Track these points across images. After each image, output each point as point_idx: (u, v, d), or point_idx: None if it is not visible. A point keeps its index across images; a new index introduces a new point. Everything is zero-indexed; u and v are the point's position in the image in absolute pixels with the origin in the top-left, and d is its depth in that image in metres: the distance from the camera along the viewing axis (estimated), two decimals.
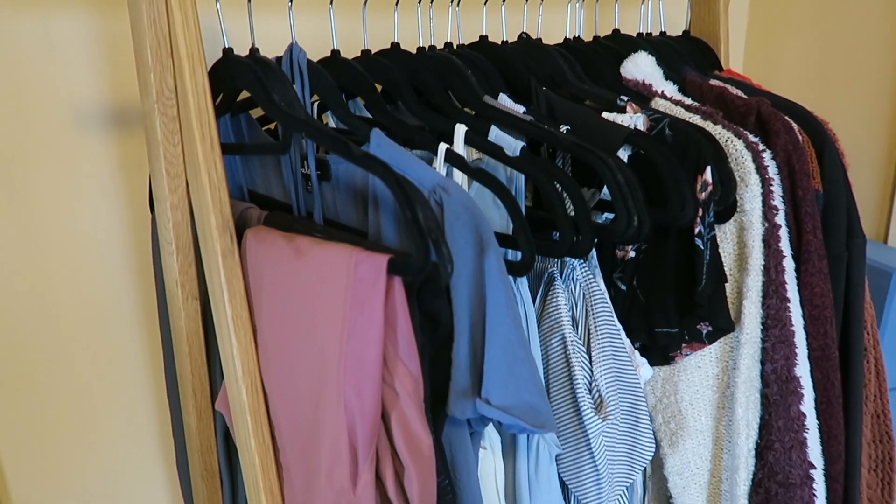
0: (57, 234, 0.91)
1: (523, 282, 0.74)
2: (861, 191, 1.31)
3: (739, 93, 0.85)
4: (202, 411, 0.78)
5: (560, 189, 0.66)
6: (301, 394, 0.63)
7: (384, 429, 0.61)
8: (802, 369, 0.78)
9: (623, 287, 0.80)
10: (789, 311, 0.77)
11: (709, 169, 0.71)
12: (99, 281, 0.96)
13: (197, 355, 0.75)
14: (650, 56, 0.88)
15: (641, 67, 0.87)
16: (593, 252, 0.78)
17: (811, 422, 0.80)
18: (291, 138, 0.66)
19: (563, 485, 0.80)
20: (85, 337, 0.97)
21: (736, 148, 0.75)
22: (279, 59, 0.72)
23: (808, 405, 0.80)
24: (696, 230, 0.73)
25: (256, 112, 0.81)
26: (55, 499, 1.00)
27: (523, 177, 0.71)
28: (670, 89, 0.85)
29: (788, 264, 0.77)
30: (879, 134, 1.25)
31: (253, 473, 0.70)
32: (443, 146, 0.66)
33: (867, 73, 1.25)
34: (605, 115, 0.76)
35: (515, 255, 0.73)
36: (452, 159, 0.66)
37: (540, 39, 0.89)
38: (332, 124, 0.80)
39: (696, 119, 0.78)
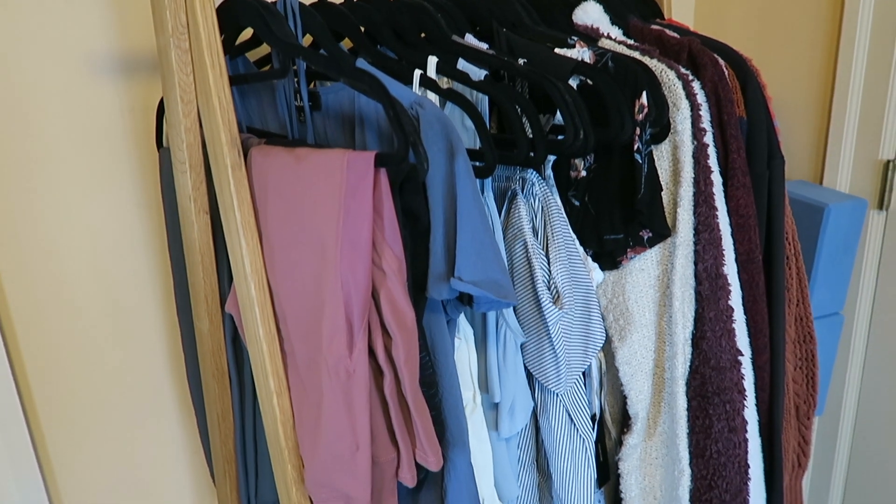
0: (67, 173, 1.01)
1: (490, 197, 0.86)
2: (798, 135, 1.45)
3: (675, 35, 0.97)
4: (213, 315, 0.89)
5: (518, 108, 0.78)
6: (305, 281, 0.74)
7: (374, 306, 0.73)
8: (730, 269, 0.92)
9: (577, 203, 0.93)
10: (717, 219, 0.90)
11: (645, 93, 0.84)
12: (108, 218, 1.06)
13: (208, 263, 0.87)
14: (598, 5, 1.00)
15: (590, 14, 0.99)
16: (550, 173, 0.91)
17: (738, 315, 0.94)
18: (289, 63, 0.77)
19: (528, 375, 0.93)
20: (93, 273, 1.07)
21: (669, 77, 0.88)
22: (274, 2, 0.83)
23: (735, 300, 0.93)
24: (636, 146, 0.85)
25: (252, 55, 0.93)
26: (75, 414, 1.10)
27: (487, 102, 0.83)
28: (615, 32, 0.98)
29: (716, 178, 0.90)
30: (813, 84, 1.39)
31: (261, 360, 0.81)
32: (418, 72, 0.78)
33: (803, 28, 1.39)
34: (556, 50, 0.88)
35: None
36: (426, 83, 0.78)
37: None
38: None
39: (635, 54, 0.90)
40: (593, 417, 1.00)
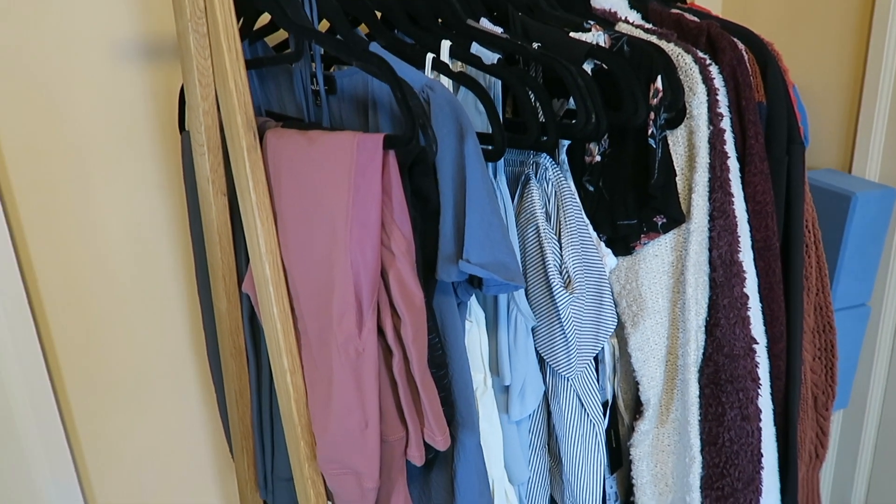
0: (94, 158, 1.04)
1: (503, 181, 0.87)
2: (827, 123, 1.42)
3: (695, 19, 0.96)
4: (231, 294, 0.92)
5: (529, 92, 0.78)
6: (317, 260, 0.76)
7: (383, 286, 0.74)
8: (745, 256, 0.91)
9: (591, 188, 0.93)
10: (733, 205, 0.89)
11: (660, 77, 0.83)
12: (134, 200, 1.09)
13: (226, 244, 0.89)
14: None
15: None
16: (564, 157, 0.91)
17: (754, 303, 0.93)
18: (303, 46, 0.78)
19: (540, 361, 0.93)
20: (120, 254, 1.11)
21: (685, 61, 0.87)
22: None
23: (750, 288, 0.92)
24: (650, 131, 0.85)
25: (271, 41, 0.94)
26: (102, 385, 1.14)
27: (500, 86, 0.83)
28: (634, 17, 0.97)
29: (732, 164, 0.89)
30: (843, 70, 1.36)
31: (275, 337, 0.83)
32: (430, 55, 0.78)
33: (833, 12, 1.36)
34: (572, 34, 0.88)
35: None
36: (438, 66, 0.78)
37: None
38: None
39: (652, 38, 0.90)
40: (605, 403, 1.00)
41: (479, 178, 0.72)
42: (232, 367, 0.96)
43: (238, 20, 0.86)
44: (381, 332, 0.76)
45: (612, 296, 0.95)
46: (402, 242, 0.71)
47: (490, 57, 0.82)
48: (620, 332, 0.96)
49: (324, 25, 0.88)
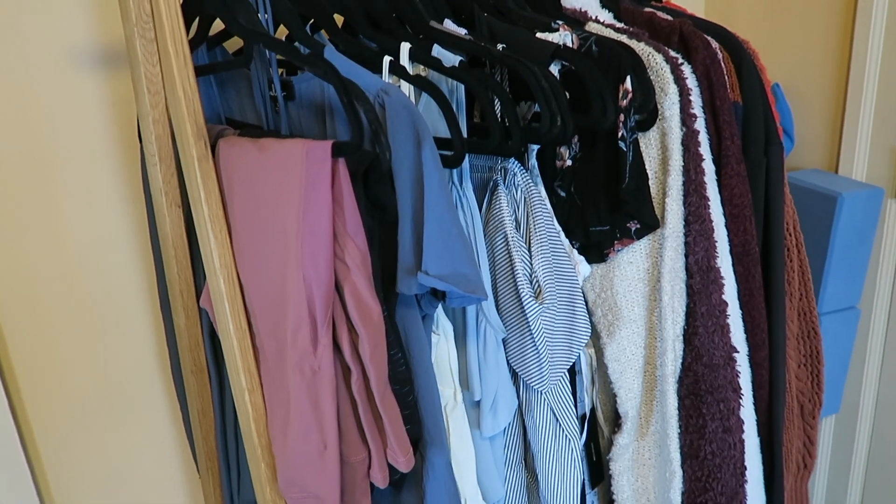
0: (53, 168, 1.01)
1: (468, 188, 0.83)
2: (812, 123, 1.39)
3: (668, 17, 0.93)
4: (189, 310, 0.88)
5: (491, 95, 0.75)
6: (270, 275, 0.73)
7: (339, 300, 0.71)
8: (723, 261, 0.87)
9: (563, 194, 0.89)
10: (709, 209, 0.86)
11: (629, 78, 0.80)
12: (94, 212, 1.06)
13: (182, 258, 0.85)
14: None
15: None
16: (534, 162, 0.88)
17: (733, 310, 0.89)
18: (252, 50, 0.75)
19: (513, 374, 0.90)
20: (81, 266, 1.07)
21: (656, 61, 0.84)
22: None
23: (729, 294, 0.89)
24: (620, 134, 0.82)
25: (232, 46, 0.91)
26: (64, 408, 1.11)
27: (463, 90, 0.80)
28: (605, 16, 0.94)
29: (708, 167, 0.86)
30: (827, 69, 1.33)
31: (233, 354, 0.80)
32: (387, 58, 0.75)
33: (817, 11, 1.33)
34: (538, 35, 0.85)
35: None
36: (395, 69, 0.75)
37: None
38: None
39: (622, 38, 0.87)
40: (583, 416, 0.96)
41: (438, 185, 0.69)
42: (193, 384, 0.93)
43: (191, 24, 0.83)
44: (338, 348, 0.73)
45: (587, 305, 0.91)
46: (356, 254, 0.68)
47: (451, 59, 0.78)
48: (597, 342, 0.93)
49: (282, 31, 0.85)
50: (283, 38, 0.86)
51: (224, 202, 0.77)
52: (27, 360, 1.06)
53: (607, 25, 0.91)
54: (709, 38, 0.89)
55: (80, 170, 1.03)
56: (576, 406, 0.92)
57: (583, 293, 0.90)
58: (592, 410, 0.99)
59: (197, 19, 0.84)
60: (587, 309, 0.91)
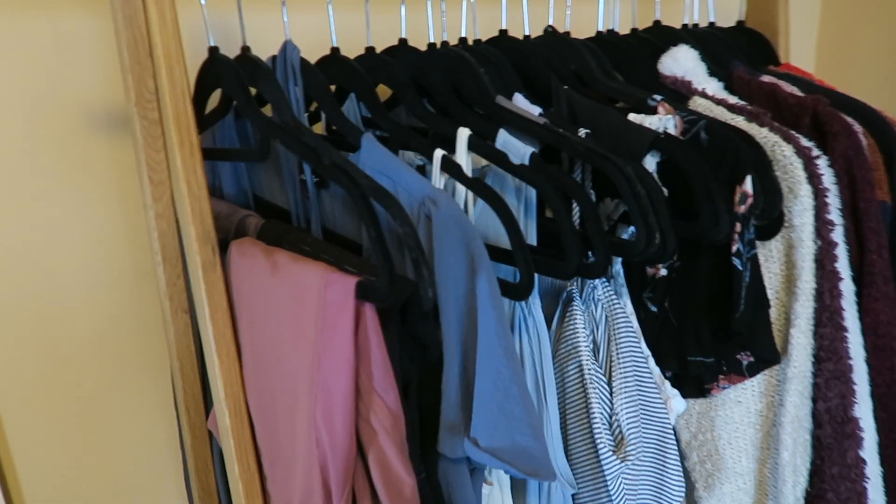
0: (68, 237, 0.90)
1: (536, 302, 0.67)
2: None
3: (795, 90, 0.75)
4: (197, 429, 0.75)
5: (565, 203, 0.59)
6: (280, 420, 0.58)
7: (363, 467, 0.55)
8: (862, 409, 0.68)
9: (653, 308, 0.72)
10: (847, 342, 0.67)
11: (749, 178, 0.62)
12: (108, 283, 0.94)
13: (189, 371, 0.72)
14: (693, 50, 0.79)
15: (681, 63, 0.78)
16: (619, 268, 0.71)
17: (872, 470, 0.70)
18: (269, 144, 0.61)
19: None
20: (94, 339, 0.95)
21: (784, 154, 0.66)
22: (274, 57, 0.68)
23: (868, 450, 0.69)
24: (734, 248, 0.64)
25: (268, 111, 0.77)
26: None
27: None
28: (713, 87, 0.76)
29: (847, 288, 0.67)
30: None
31: (238, 500, 0.65)
32: (438, 153, 0.59)
33: None
34: (631, 116, 0.68)
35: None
36: (449, 167, 0.59)
37: (568, 33, 0.81)
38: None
39: (738, 120, 0.69)
40: None
41: (495, 326, 0.53)
42: None
43: (207, 96, 0.70)
44: None
45: (678, 446, 0.73)
46: (385, 415, 0.52)
47: (521, 151, 0.62)
48: (689, 494, 0.74)
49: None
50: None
51: (234, 316, 0.63)
52: (35, 468, 0.94)
53: (717, 101, 0.73)
54: (850, 120, 0.70)
55: (91, 241, 0.91)
56: None
57: (675, 433, 0.72)
58: None
59: None
60: (679, 451, 0.73)
